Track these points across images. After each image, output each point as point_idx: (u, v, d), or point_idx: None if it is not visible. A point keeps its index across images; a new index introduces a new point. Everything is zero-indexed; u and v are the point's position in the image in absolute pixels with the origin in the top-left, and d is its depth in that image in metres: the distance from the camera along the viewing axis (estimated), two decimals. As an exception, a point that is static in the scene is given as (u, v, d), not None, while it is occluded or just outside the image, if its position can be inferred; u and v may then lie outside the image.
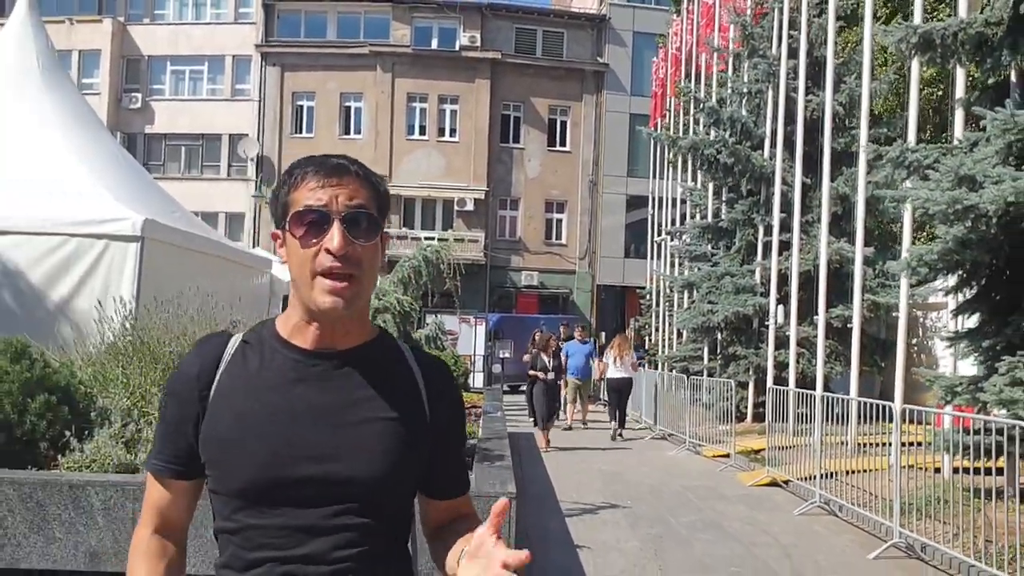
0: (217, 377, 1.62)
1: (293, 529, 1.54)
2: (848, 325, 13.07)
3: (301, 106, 36.90)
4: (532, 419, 15.75)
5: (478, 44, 36.19)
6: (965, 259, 7.41)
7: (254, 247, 29.44)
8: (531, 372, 15.35)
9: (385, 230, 1.67)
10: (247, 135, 36.48)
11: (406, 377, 1.68)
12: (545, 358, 15.30)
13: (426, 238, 33.48)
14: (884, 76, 16.74)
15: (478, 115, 36.08)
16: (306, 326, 1.61)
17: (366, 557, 1.57)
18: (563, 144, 37.08)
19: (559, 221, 37.05)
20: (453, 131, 36.27)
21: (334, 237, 1.53)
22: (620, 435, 16.33)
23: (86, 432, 5.74)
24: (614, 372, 16.76)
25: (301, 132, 36.64)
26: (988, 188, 6.86)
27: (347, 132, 36.48)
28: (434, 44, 36.64)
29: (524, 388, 18.67)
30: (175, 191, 13.51)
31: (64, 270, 9.07)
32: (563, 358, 16.49)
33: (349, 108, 36.81)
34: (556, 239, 36.94)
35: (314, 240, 1.55)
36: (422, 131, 36.16)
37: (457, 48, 36.29)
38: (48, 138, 9.95)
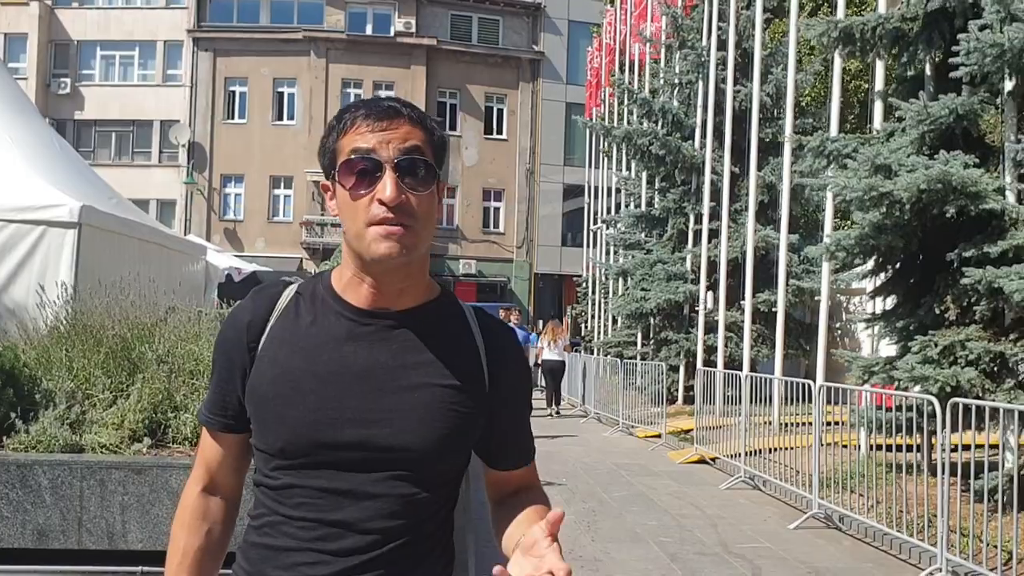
0: (268, 328, 1.56)
1: (333, 492, 1.49)
2: (773, 309, 13.52)
3: (233, 92, 36.52)
4: None
5: (413, 30, 36.17)
6: (880, 244, 7.80)
7: (186, 234, 29.27)
8: None
9: (441, 178, 1.56)
10: (179, 121, 36.01)
11: (465, 341, 1.59)
12: None
13: (363, 225, 33.55)
14: (810, 67, 17.24)
15: (414, 102, 35.51)
16: (360, 283, 1.54)
17: (407, 527, 1.51)
18: (500, 132, 37.29)
19: (496, 209, 37.27)
20: (389, 118, 36.21)
21: (387, 186, 1.44)
22: (557, 413, 17.25)
23: (31, 414, 5.82)
24: (549, 355, 17.60)
25: (234, 118, 36.32)
26: (903, 176, 7.25)
27: (280, 118, 36.27)
28: (368, 30, 36.55)
29: None
30: (106, 178, 13.41)
31: (0, 256, 9.06)
32: None
33: (283, 94, 36.54)
34: (494, 227, 37.18)
35: (365, 190, 1.46)
36: (357, 118, 36.05)
37: (392, 34, 36.24)
38: (-19, 123, 9.88)
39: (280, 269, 25.83)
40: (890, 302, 8.67)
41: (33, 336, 6.81)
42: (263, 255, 31.10)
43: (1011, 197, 7.32)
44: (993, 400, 6.82)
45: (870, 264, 8.46)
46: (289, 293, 1.60)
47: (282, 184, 35.86)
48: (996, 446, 7.03)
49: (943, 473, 6.17)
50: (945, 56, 7.74)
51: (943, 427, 6.24)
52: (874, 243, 7.80)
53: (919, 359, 7.40)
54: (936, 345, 7.32)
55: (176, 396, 5.87)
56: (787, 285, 14.28)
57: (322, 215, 34.64)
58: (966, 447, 6.99)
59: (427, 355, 1.53)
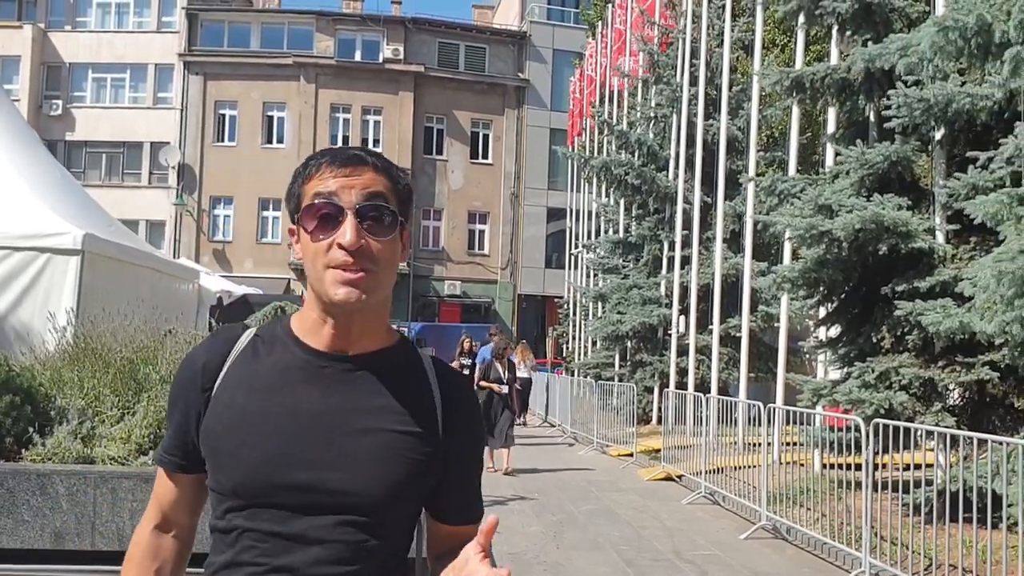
0: (224, 371, 1.57)
1: (281, 536, 1.48)
2: (738, 334, 14.20)
3: (224, 115, 37.15)
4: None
5: (401, 57, 36.98)
6: (823, 277, 8.50)
7: (175, 255, 29.81)
8: (483, 383, 12.84)
9: (406, 226, 1.59)
10: (169, 143, 36.61)
11: (422, 389, 1.60)
12: (500, 368, 13.00)
13: (349, 247, 34.19)
14: (780, 103, 17.98)
15: (401, 127, 36.83)
16: (321, 325, 1.55)
17: (354, 575, 1.50)
18: (485, 156, 38.10)
19: (481, 232, 38.03)
20: (376, 142, 36.87)
21: (347, 232, 1.46)
22: (523, 422, 18.50)
23: (47, 429, 6.42)
24: (519, 373, 18.61)
25: (223, 141, 36.95)
26: (841, 216, 7.96)
27: (270, 141, 36.94)
28: (357, 56, 37.33)
29: None
30: (96, 198, 13.88)
31: (6, 282, 9.60)
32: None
33: (272, 118, 37.20)
34: (479, 249, 37.93)
35: (326, 235, 1.48)
36: (345, 141, 36.69)
37: (380, 60, 37.02)
38: (-12, 154, 10.41)
39: (269, 291, 26.38)
40: (835, 331, 9.36)
41: (46, 358, 7.42)
42: (251, 275, 31.64)
43: (940, 237, 8.04)
44: (922, 422, 7.51)
45: (818, 295, 9.13)
46: (248, 336, 1.62)
47: (271, 206, 36.46)
48: (931, 465, 7.70)
49: (867, 487, 6.84)
50: (886, 107, 8.44)
51: (867, 445, 6.92)
52: (816, 276, 8.50)
53: (858, 383, 8.08)
54: (873, 371, 8.01)
55: (178, 413, 6.43)
56: (756, 311, 15.01)
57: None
58: (915, 466, 7.66)
59: (383, 400, 1.55)
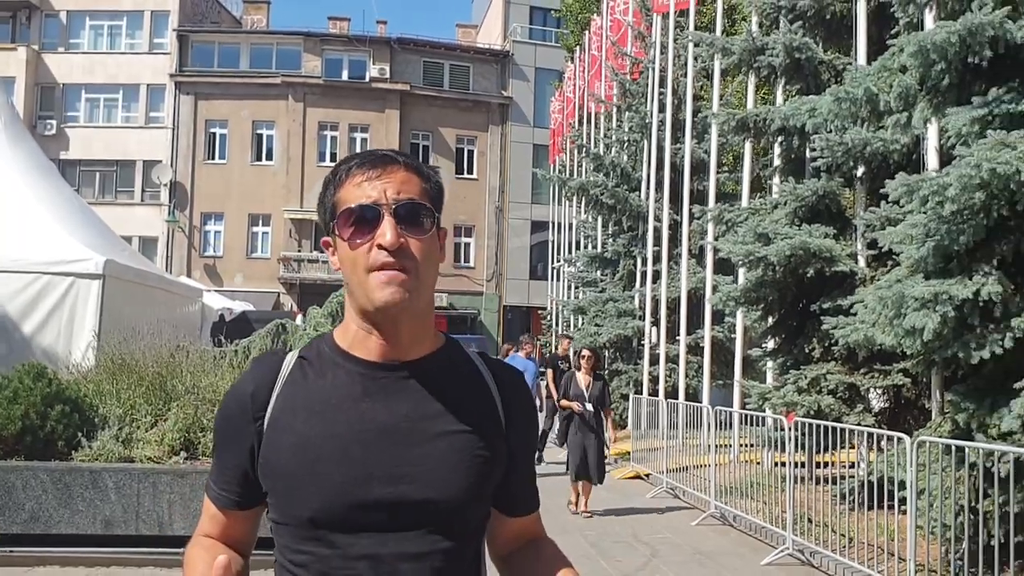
0: (273, 398, 1.52)
1: (372, 558, 1.44)
2: (702, 344, 15.40)
3: (214, 133, 38.24)
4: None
5: (387, 76, 38.15)
6: (762, 296, 9.68)
7: (168, 270, 30.79)
8: (564, 403, 10.29)
9: (443, 226, 1.57)
10: (161, 161, 37.65)
11: (479, 386, 1.60)
12: (582, 382, 10.15)
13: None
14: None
15: (388, 143, 37.77)
16: (367, 336, 1.51)
17: None
18: (470, 172, 39.30)
19: (467, 245, 39.19)
20: (363, 159, 37.93)
21: (386, 232, 1.43)
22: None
23: (92, 433, 7.52)
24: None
25: (214, 158, 38.02)
26: (776, 243, 9.13)
27: (259, 158, 38.01)
28: (344, 75, 38.48)
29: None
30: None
31: (34, 304, 10.66)
32: None
33: (261, 136, 38.30)
34: (464, 262, 39.09)
35: (364, 238, 1.45)
36: (333, 158, 37.70)
37: (367, 79, 38.17)
38: (15, 187, 11.44)
39: (260, 306, 27.43)
40: (777, 342, 10.53)
41: (87, 372, 8.54)
42: (242, 290, 32.62)
43: (861, 261, 9.22)
44: (847, 422, 8.68)
45: (759, 311, 10.30)
46: (292, 358, 1.57)
47: (260, 222, 37.56)
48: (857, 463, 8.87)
49: (790, 477, 8.01)
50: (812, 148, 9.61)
51: (790, 442, 8.09)
52: (756, 295, 9.68)
53: (793, 388, 9.24)
54: (806, 377, 9.18)
55: (203, 420, 7.61)
56: (720, 323, 16.18)
57: (299, 251, 36.37)
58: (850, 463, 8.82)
59: (446, 402, 1.52)
